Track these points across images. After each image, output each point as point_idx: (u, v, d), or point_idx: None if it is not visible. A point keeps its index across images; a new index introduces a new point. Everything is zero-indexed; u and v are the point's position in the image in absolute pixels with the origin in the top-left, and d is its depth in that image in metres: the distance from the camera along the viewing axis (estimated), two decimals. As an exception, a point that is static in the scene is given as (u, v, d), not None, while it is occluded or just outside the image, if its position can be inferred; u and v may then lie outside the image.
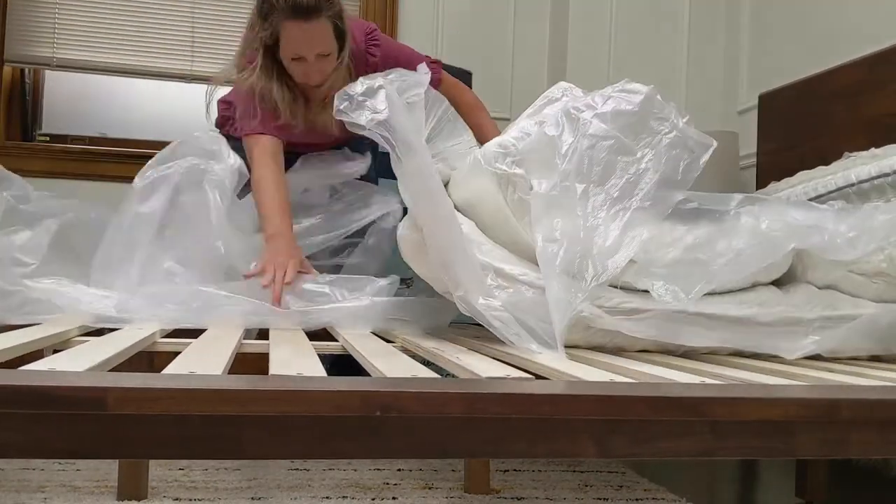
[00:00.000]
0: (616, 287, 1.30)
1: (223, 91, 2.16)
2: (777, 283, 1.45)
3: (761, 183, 2.53)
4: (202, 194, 1.79)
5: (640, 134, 1.29)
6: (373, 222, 2.04)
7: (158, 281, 1.67)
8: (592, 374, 0.97)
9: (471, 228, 1.39)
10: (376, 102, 1.29)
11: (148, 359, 1.73)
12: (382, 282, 1.58)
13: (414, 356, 1.23)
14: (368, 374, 1.00)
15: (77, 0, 3.15)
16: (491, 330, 1.23)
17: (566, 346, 1.19)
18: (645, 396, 0.75)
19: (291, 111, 1.94)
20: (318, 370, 0.90)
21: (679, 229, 1.33)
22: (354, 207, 2.05)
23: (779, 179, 2.09)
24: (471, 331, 1.62)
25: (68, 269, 1.64)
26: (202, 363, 0.90)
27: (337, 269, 1.99)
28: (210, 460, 1.98)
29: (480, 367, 0.98)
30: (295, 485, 1.89)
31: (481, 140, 2.17)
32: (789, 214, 1.35)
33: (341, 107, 1.30)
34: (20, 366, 0.79)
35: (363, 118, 1.28)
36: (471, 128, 2.23)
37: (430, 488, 1.90)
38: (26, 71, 3.22)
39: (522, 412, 0.73)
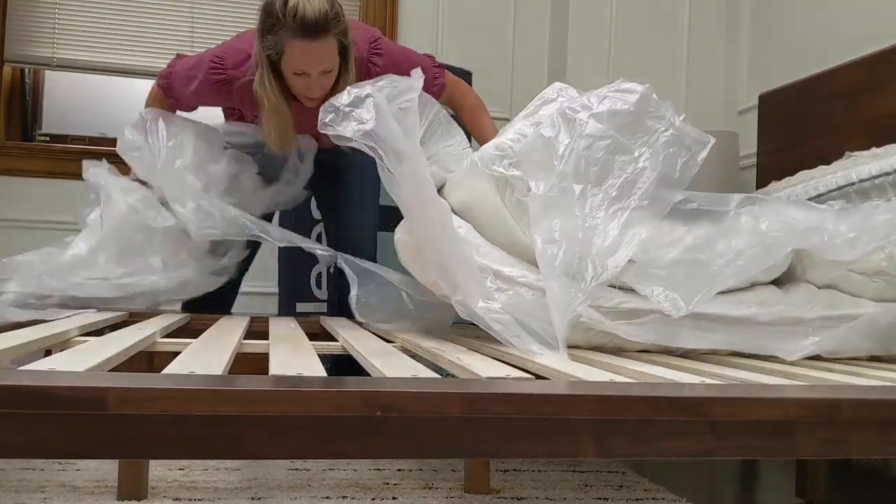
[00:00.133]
0: (615, 287, 1.30)
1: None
2: (776, 282, 1.45)
3: (761, 183, 2.53)
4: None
5: (636, 133, 1.29)
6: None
7: None
8: (592, 374, 0.97)
9: (468, 231, 1.39)
10: (362, 112, 1.27)
11: (148, 359, 1.73)
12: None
13: (414, 355, 1.23)
14: (368, 374, 1.00)
15: (77, 0, 3.15)
16: (491, 333, 1.23)
17: (566, 347, 1.19)
18: (645, 396, 0.75)
19: (279, 130, 1.98)
20: (318, 370, 0.90)
21: (679, 229, 1.33)
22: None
23: (779, 179, 2.09)
24: (471, 331, 1.62)
25: None
26: (202, 363, 0.90)
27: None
28: (210, 460, 1.98)
29: (480, 367, 0.98)
30: (295, 485, 1.89)
31: (481, 142, 2.17)
32: (789, 214, 1.35)
33: (326, 119, 1.27)
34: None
35: (349, 130, 1.26)
36: (470, 129, 2.24)
37: (430, 488, 1.90)
38: (26, 71, 3.22)
39: (522, 412, 0.73)
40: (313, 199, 2.46)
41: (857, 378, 1.07)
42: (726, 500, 2.12)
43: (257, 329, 1.61)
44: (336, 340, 1.45)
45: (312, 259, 2.68)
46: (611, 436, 0.75)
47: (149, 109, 2.08)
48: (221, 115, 2.27)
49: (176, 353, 1.04)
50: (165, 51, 3.22)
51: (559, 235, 1.22)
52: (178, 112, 2.14)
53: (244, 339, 1.37)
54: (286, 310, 2.72)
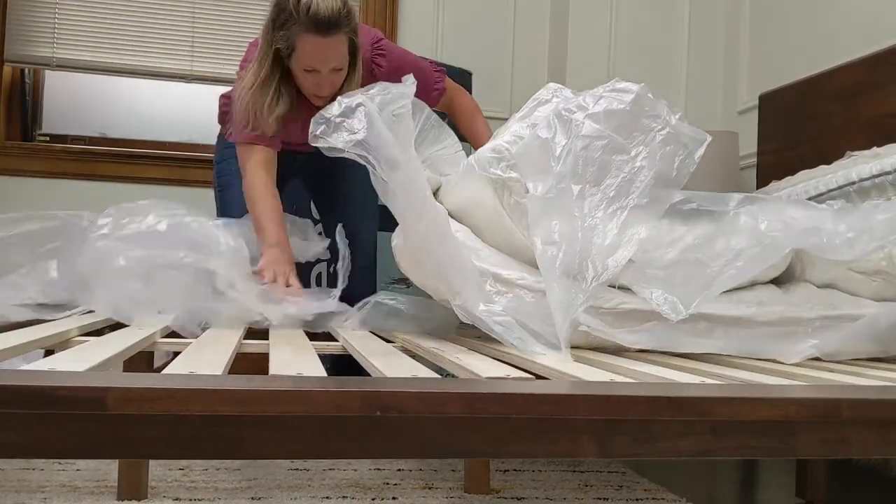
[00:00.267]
0: (615, 287, 1.30)
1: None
2: (776, 281, 1.45)
3: (761, 183, 2.53)
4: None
5: (632, 132, 1.29)
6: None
7: None
8: (592, 374, 0.97)
9: (466, 235, 1.39)
10: (353, 122, 1.26)
11: (148, 359, 1.73)
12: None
13: (414, 355, 1.23)
14: (368, 374, 1.00)
15: (77, 0, 3.15)
16: (493, 335, 1.23)
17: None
18: (645, 396, 0.75)
19: (279, 122, 1.95)
20: (318, 370, 0.90)
21: (678, 229, 1.33)
22: None
23: (779, 179, 2.09)
24: (471, 331, 1.62)
25: None
26: (202, 363, 0.90)
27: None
28: (210, 460, 1.98)
29: (480, 367, 0.98)
30: (295, 485, 1.89)
31: (475, 145, 2.17)
32: (788, 214, 1.35)
33: (317, 132, 1.26)
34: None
35: (340, 140, 1.25)
36: (465, 132, 2.24)
37: (430, 488, 1.90)
38: (26, 71, 3.22)
39: (522, 412, 0.73)
40: (312, 198, 2.46)
41: (857, 378, 1.07)
42: (726, 500, 2.12)
43: (257, 329, 1.61)
44: (336, 340, 1.45)
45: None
46: (611, 436, 0.75)
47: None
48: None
49: (176, 354, 1.04)
50: (165, 51, 3.22)
51: (558, 236, 1.22)
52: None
53: (244, 339, 1.37)
54: (286, 310, 2.72)
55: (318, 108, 1.99)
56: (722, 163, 2.89)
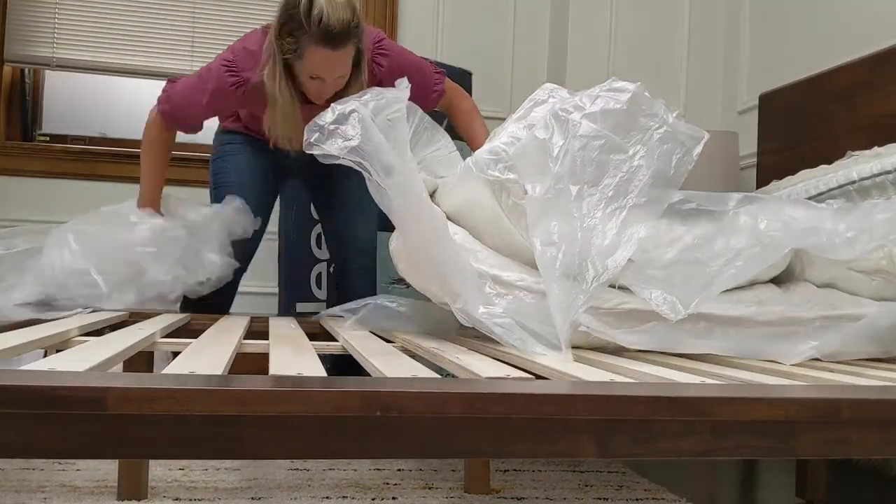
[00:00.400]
0: (614, 287, 1.30)
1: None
2: (775, 280, 1.45)
3: (761, 183, 2.53)
4: None
5: (630, 131, 1.30)
6: None
7: None
8: (592, 374, 0.97)
9: (465, 237, 1.39)
10: (347, 129, 1.26)
11: (148, 359, 1.73)
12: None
13: (414, 355, 1.23)
14: (368, 374, 1.00)
15: (77, 0, 3.15)
16: (494, 337, 1.23)
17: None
18: (645, 396, 0.75)
19: (287, 126, 1.98)
20: (318, 370, 0.90)
21: (677, 229, 1.33)
22: None
23: (779, 179, 2.09)
24: (471, 331, 1.62)
25: None
26: (202, 363, 0.90)
27: None
28: (210, 460, 1.98)
29: (480, 367, 0.98)
30: (295, 485, 1.89)
31: (473, 146, 2.17)
32: (787, 213, 1.35)
33: (312, 139, 1.26)
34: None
35: (334, 147, 1.25)
36: (463, 133, 2.24)
37: (430, 488, 1.90)
38: (26, 71, 3.22)
39: (523, 412, 0.73)
40: (311, 198, 2.46)
41: (858, 378, 1.07)
42: (726, 500, 2.12)
43: (257, 329, 1.61)
44: (336, 340, 1.45)
45: (312, 259, 2.68)
46: (611, 436, 0.75)
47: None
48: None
49: (176, 354, 1.04)
50: (165, 51, 3.22)
51: (558, 237, 1.22)
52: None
53: (244, 339, 1.37)
54: (286, 310, 2.72)
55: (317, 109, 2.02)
56: (722, 163, 2.89)
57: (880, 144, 1.89)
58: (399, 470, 2.05)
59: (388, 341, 1.40)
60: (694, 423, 0.77)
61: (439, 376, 0.86)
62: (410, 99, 1.38)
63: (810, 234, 1.30)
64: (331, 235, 2.36)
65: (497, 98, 3.33)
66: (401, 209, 1.28)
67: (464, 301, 1.26)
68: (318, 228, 2.67)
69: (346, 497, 1.80)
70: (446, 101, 2.22)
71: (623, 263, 1.23)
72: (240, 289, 2.54)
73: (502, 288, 1.30)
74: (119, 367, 1.55)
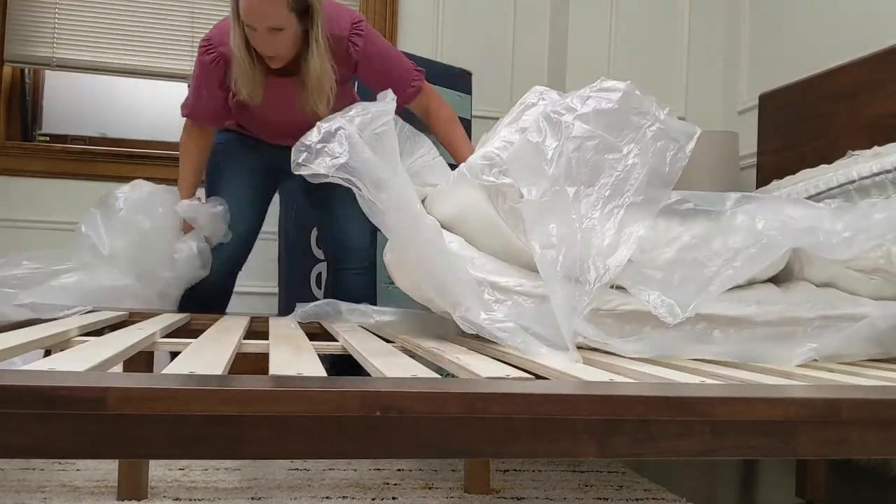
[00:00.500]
0: (614, 288, 1.30)
1: None
2: (774, 279, 1.45)
3: (761, 183, 2.53)
4: None
5: (623, 130, 1.30)
6: None
7: None
8: (592, 374, 0.97)
9: (461, 245, 1.38)
10: (334, 146, 1.26)
11: (148, 359, 1.73)
12: None
13: (414, 355, 1.23)
14: (368, 374, 1.00)
15: (77, 0, 3.15)
16: (499, 342, 1.23)
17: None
18: (645, 396, 0.75)
19: (244, 81, 2.03)
20: (319, 370, 0.90)
21: (676, 229, 1.33)
22: None
23: (779, 179, 2.09)
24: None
25: None
26: (202, 363, 0.90)
27: None
28: (210, 460, 1.99)
29: (480, 367, 0.98)
30: (295, 485, 1.89)
31: (455, 155, 2.17)
32: (785, 213, 1.35)
33: (300, 159, 1.27)
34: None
35: (323, 166, 1.25)
36: (443, 141, 2.25)
37: (430, 488, 1.90)
38: (26, 71, 3.22)
39: (522, 412, 0.73)
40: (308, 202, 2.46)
41: (858, 378, 1.07)
42: (726, 500, 2.12)
43: (257, 329, 1.61)
44: (336, 340, 1.45)
45: (312, 259, 2.68)
46: (611, 436, 0.75)
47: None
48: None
49: (176, 354, 1.04)
50: (165, 51, 3.22)
51: (557, 239, 1.22)
52: (216, 129, 2.25)
53: (244, 339, 1.37)
54: (286, 310, 2.72)
55: (289, 92, 2.05)
56: (722, 163, 2.89)
57: (880, 144, 1.90)
58: (399, 470, 2.05)
59: (388, 341, 1.40)
60: (694, 423, 0.77)
61: (439, 376, 0.86)
62: (386, 87, 1.38)
63: (808, 233, 1.30)
64: (325, 235, 2.36)
65: (497, 98, 3.33)
66: (394, 223, 1.27)
67: (465, 309, 1.26)
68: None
69: (346, 497, 1.80)
70: (423, 104, 2.22)
71: (624, 263, 1.23)
72: (240, 289, 2.54)
73: (501, 294, 1.30)
74: (119, 367, 1.55)
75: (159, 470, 1.95)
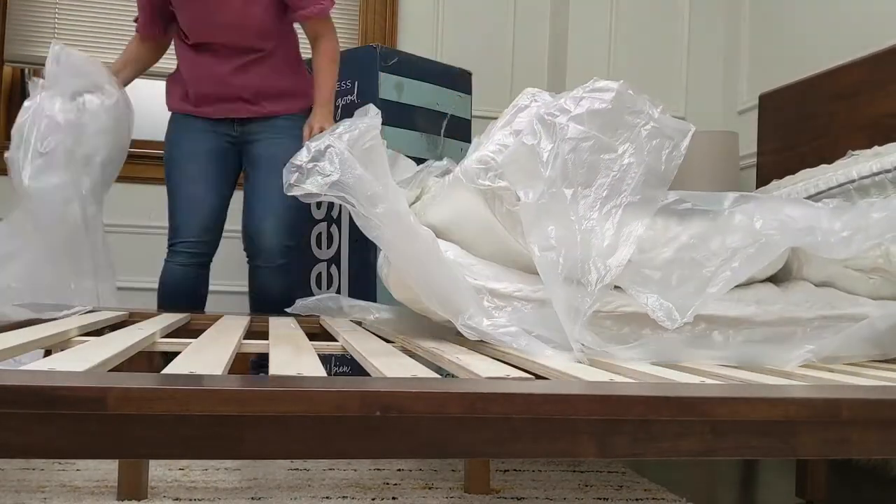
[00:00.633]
0: (613, 288, 1.30)
1: None
2: (773, 278, 1.45)
3: (761, 183, 2.53)
4: None
5: (617, 130, 1.30)
6: None
7: None
8: (592, 374, 0.97)
9: (457, 252, 1.38)
10: (325, 165, 1.27)
11: (148, 359, 1.73)
12: None
13: (414, 355, 1.23)
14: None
15: (77, 0, 3.14)
16: (503, 347, 1.23)
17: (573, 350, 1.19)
18: (645, 396, 0.75)
19: None
20: (319, 370, 0.90)
21: (674, 228, 1.32)
22: None
23: (779, 179, 2.09)
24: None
25: None
26: (202, 363, 0.90)
27: None
28: (210, 460, 1.99)
29: (480, 367, 0.99)
30: (295, 485, 1.89)
31: (316, 90, 2.29)
32: (783, 212, 1.35)
33: (292, 180, 1.28)
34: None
35: (315, 185, 1.25)
36: (315, 73, 2.32)
37: (430, 488, 1.90)
38: (26, 71, 3.22)
39: (522, 412, 0.73)
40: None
41: (857, 378, 1.07)
42: (726, 500, 2.12)
43: (257, 329, 1.62)
44: (336, 340, 1.45)
45: (312, 259, 2.68)
46: (611, 436, 0.75)
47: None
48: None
49: (176, 353, 1.04)
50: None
51: (556, 241, 1.22)
52: (148, 41, 2.38)
53: (244, 339, 1.37)
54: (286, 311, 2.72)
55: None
56: (722, 163, 2.89)
57: (880, 144, 1.90)
58: (399, 470, 2.05)
59: (388, 341, 1.40)
60: (694, 423, 0.77)
61: (439, 376, 0.86)
62: None
63: (806, 233, 1.30)
64: (243, 226, 2.37)
65: (497, 98, 3.33)
66: (390, 236, 1.27)
67: (467, 317, 1.26)
68: (318, 228, 2.67)
69: (346, 497, 1.80)
70: (316, 31, 2.31)
71: (625, 263, 1.23)
72: (240, 289, 2.55)
73: (500, 300, 1.30)
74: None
75: (159, 470, 1.95)
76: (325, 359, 2.32)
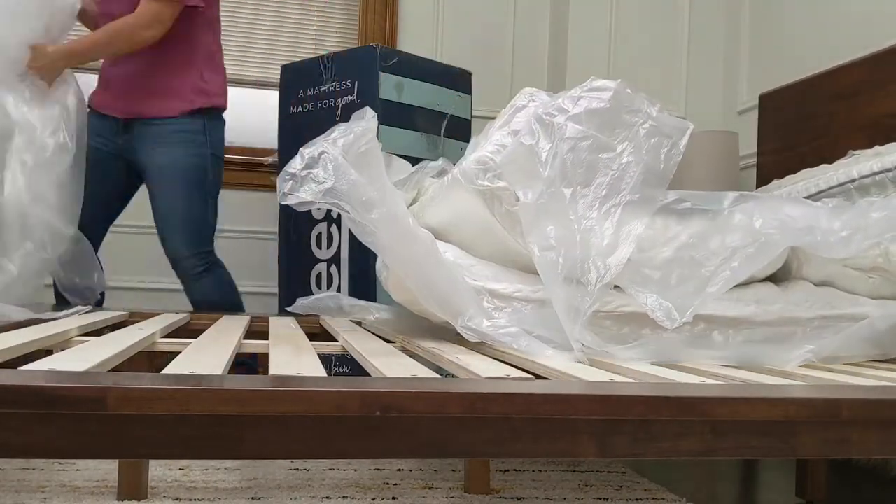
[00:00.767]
0: (612, 288, 1.30)
1: None
2: (772, 278, 1.45)
3: (761, 183, 2.53)
4: None
5: (615, 129, 1.29)
6: None
7: None
8: (592, 374, 0.97)
9: (456, 254, 1.38)
10: (318, 172, 1.25)
11: (148, 359, 1.74)
12: None
13: (414, 355, 1.23)
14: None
15: (77, 0, 3.14)
16: (504, 348, 1.23)
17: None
18: (645, 396, 0.75)
19: None
20: (319, 370, 0.90)
21: (673, 228, 1.33)
22: None
23: (780, 179, 2.09)
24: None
25: None
26: (202, 363, 0.90)
27: None
28: (210, 460, 1.99)
29: (480, 367, 0.99)
30: (295, 485, 1.89)
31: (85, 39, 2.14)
32: (783, 212, 1.35)
33: (286, 188, 1.26)
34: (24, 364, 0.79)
35: (309, 193, 1.24)
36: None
37: (430, 488, 1.90)
38: (26, 71, 3.21)
39: (522, 412, 0.73)
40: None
41: (857, 378, 1.07)
42: (726, 500, 2.12)
43: (257, 329, 1.62)
44: (336, 340, 1.45)
45: (312, 259, 2.68)
46: (611, 436, 0.75)
47: None
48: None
49: (176, 353, 1.04)
50: (165, 51, 3.21)
51: (556, 241, 1.22)
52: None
53: (244, 339, 1.37)
54: (286, 310, 2.72)
55: None
56: (722, 163, 2.89)
57: (881, 144, 1.90)
58: (399, 470, 2.05)
59: (388, 341, 1.40)
60: (694, 423, 0.77)
61: (439, 376, 0.86)
62: None
63: (806, 232, 1.30)
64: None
65: (497, 98, 3.33)
66: (388, 240, 1.26)
67: (467, 318, 1.26)
68: (318, 228, 2.67)
69: (346, 497, 1.80)
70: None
71: (625, 262, 1.23)
72: (240, 288, 2.55)
73: (500, 301, 1.30)
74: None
75: (159, 470, 1.95)
76: (325, 359, 2.33)
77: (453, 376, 1.02)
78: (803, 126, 2.39)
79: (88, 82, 2.32)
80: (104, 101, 2.31)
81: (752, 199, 1.38)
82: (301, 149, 1.28)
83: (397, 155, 1.67)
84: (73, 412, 0.66)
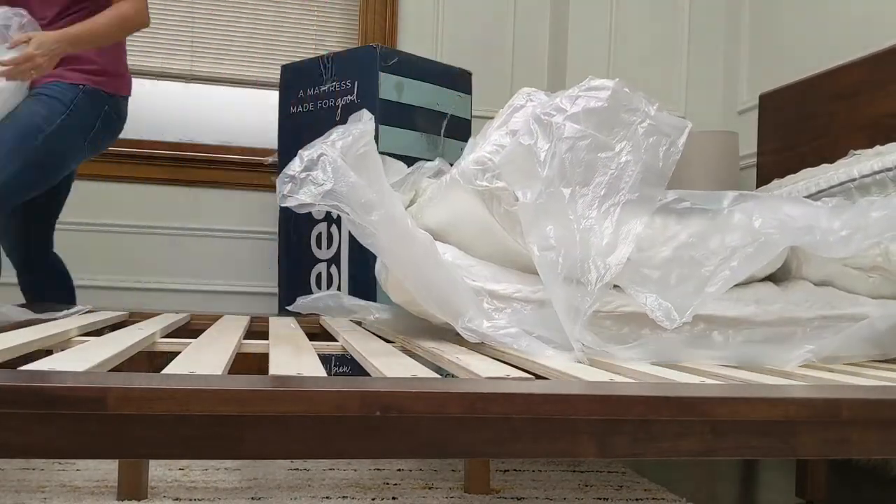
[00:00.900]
0: (612, 288, 1.30)
1: None
2: (772, 277, 1.45)
3: (761, 183, 2.53)
4: None
5: (614, 128, 1.29)
6: None
7: None
8: (592, 374, 0.97)
9: (455, 254, 1.38)
10: (318, 174, 1.25)
11: (148, 359, 1.74)
12: None
13: (414, 355, 1.23)
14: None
15: (77, 0, 3.14)
16: (505, 348, 1.23)
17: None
18: (645, 396, 0.75)
19: None
20: (319, 370, 0.90)
21: (673, 227, 1.33)
22: None
23: (780, 178, 2.09)
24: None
25: None
26: (202, 363, 0.90)
27: None
28: (210, 460, 1.99)
29: (480, 367, 0.99)
30: (295, 485, 1.89)
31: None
32: (783, 211, 1.35)
33: (285, 191, 1.26)
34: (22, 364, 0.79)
35: (308, 195, 1.24)
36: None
37: (430, 488, 1.90)
38: (26, 71, 3.21)
39: (522, 412, 0.73)
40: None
41: (857, 378, 1.07)
42: (726, 500, 2.12)
43: (257, 329, 1.62)
44: (336, 340, 1.45)
45: (312, 259, 2.68)
46: (611, 436, 0.75)
47: None
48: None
49: (176, 353, 1.04)
50: (165, 51, 3.22)
51: (555, 241, 1.22)
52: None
53: (244, 339, 1.37)
54: (286, 310, 2.72)
55: None
56: (722, 163, 2.89)
57: (881, 144, 1.90)
58: (399, 470, 2.05)
59: (388, 341, 1.40)
60: (694, 423, 0.77)
61: (439, 376, 0.86)
62: None
63: (806, 232, 1.30)
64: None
65: (497, 98, 3.32)
66: (386, 242, 1.26)
67: (468, 319, 1.26)
68: (318, 228, 2.67)
69: (346, 497, 1.80)
70: None
71: (624, 261, 1.23)
72: (240, 288, 2.55)
73: (499, 302, 1.30)
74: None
75: (159, 470, 1.95)
76: (325, 359, 2.33)
77: (453, 376, 1.02)
78: (803, 126, 2.39)
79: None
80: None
81: (752, 199, 1.38)
82: (300, 151, 1.28)
83: (397, 155, 1.68)
84: (73, 412, 0.66)
